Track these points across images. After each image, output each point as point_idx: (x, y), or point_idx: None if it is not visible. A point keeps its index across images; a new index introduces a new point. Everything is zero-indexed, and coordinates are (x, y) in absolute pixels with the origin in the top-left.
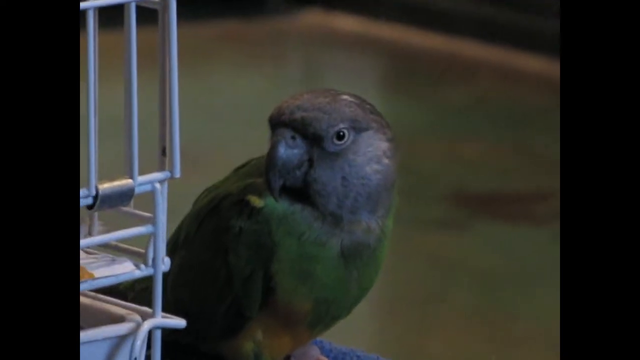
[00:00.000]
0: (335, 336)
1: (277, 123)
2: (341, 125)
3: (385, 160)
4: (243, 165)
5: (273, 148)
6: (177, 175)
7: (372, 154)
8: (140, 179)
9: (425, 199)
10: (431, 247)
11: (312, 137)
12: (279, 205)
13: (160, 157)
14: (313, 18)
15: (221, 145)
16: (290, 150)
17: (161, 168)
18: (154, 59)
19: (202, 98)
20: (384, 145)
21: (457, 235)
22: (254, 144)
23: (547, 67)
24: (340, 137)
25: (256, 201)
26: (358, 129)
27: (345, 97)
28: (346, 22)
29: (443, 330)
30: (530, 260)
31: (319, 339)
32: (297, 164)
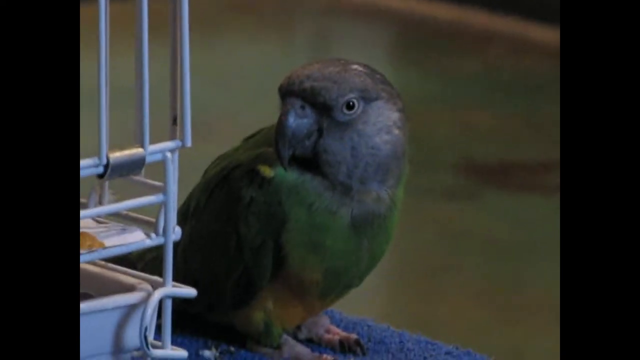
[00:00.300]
0: (345, 306)
1: (287, 92)
2: (351, 95)
3: (396, 131)
4: (253, 135)
5: (282, 117)
6: (188, 144)
7: (382, 124)
8: (151, 147)
9: (434, 169)
10: (440, 217)
11: (321, 107)
12: (289, 175)
13: (171, 126)
14: None
15: (231, 115)
16: (299, 120)
17: (172, 137)
18: (165, 29)
19: (213, 68)
20: (394, 115)
21: (466, 204)
22: (264, 113)
23: (556, 37)
24: (350, 106)
25: (266, 171)
26: (368, 98)
27: (355, 66)
28: None
29: (452, 299)
30: (538, 230)
31: (329, 309)
32: (307, 134)
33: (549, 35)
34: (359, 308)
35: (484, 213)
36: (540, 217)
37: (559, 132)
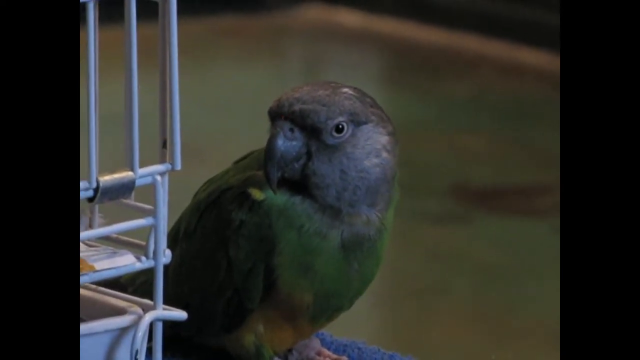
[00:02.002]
0: (337, 329)
1: (276, 115)
2: (340, 118)
3: (385, 154)
4: (243, 158)
5: (271, 140)
6: (178, 167)
7: (371, 148)
8: (141, 171)
9: (426, 192)
10: (432, 240)
11: (310, 130)
12: (279, 198)
13: (161, 149)
14: (314, 12)
15: (223, 139)
16: (288, 142)
17: (162, 160)
18: (154, 54)
19: (204, 92)
20: (383, 139)
21: (457, 228)
22: (256, 137)
23: (548, 61)
24: (339, 130)
25: (257, 194)
26: (357, 122)
27: (345, 90)
28: (347, 16)
29: (443, 323)
30: (530, 254)
31: (319, 331)
32: (296, 156)
33: (541, 59)
34: (350, 331)
35: (476, 237)
36: (531, 241)
37: (551, 155)
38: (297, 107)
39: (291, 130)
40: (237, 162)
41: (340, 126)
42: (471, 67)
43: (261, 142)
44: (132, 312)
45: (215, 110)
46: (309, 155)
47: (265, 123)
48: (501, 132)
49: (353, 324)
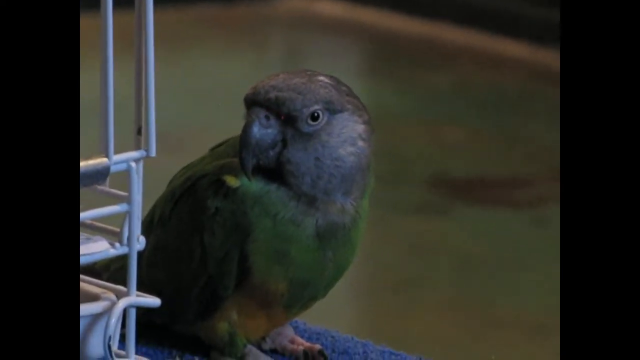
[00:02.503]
0: (314, 319)
1: (252, 102)
2: (316, 107)
3: (360, 143)
4: (219, 145)
5: (247, 127)
6: (153, 154)
7: (346, 136)
8: (116, 157)
9: (406, 184)
10: (411, 232)
11: (286, 117)
12: (254, 185)
13: (136, 136)
14: (295, 2)
15: (203, 128)
16: (263, 130)
17: (137, 147)
18: (131, 43)
19: (185, 81)
20: (359, 127)
21: (437, 219)
22: (235, 126)
23: (528, 52)
24: (314, 117)
25: (232, 181)
26: (333, 110)
27: (321, 78)
28: (328, 7)
29: (422, 314)
30: (509, 245)
31: (294, 319)
32: (271, 144)
33: (520, 50)
34: (327, 321)
35: (455, 228)
36: (511, 232)
37: (531, 147)
38: (272, 94)
39: (267, 117)
40: (213, 149)
41: (316, 114)
42: (451, 58)
43: (240, 131)
44: (105, 299)
45: (195, 100)
46: (284, 143)
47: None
48: (481, 123)
49: (330, 315)
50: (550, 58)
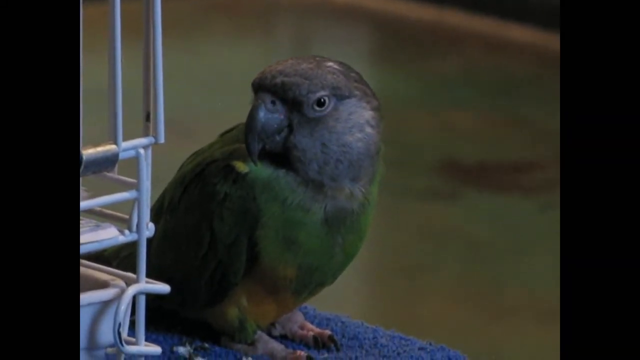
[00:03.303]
0: (323, 304)
1: (259, 87)
2: (322, 92)
3: (368, 129)
4: (229, 130)
5: (253, 111)
6: (162, 140)
7: (354, 122)
8: (124, 144)
9: (415, 169)
10: (420, 217)
11: (292, 102)
12: (263, 171)
13: (145, 123)
14: None
15: (212, 115)
16: (270, 115)
17: (145, 134)
18: (139, 30)
19: (194, 68)
20: (367, 113)
21: (446, 205)
22: (244, 113)
23: (535, 37)
24: (320, 103)
25: (241, 167)
26: (340, 96)
27: (329, 64)
28: None
29: (431, 299)
30: (519, 230)
31: (303, 305)
32: (277, 129)
33: (527, 35)
34: (337, 307)
35: (464, 213)
36: (519, 217)
37: (540, 131)
38: (279, 79)
39: (273, 102)
40: (223, 134)
41: (322, 100)
42: (459, 44)
43: None
44: (115, 285)
45: (205, 87)
46: (290, 128)
47: None
48: (489, 108)
49: (340, 300)
50: (557, 42)
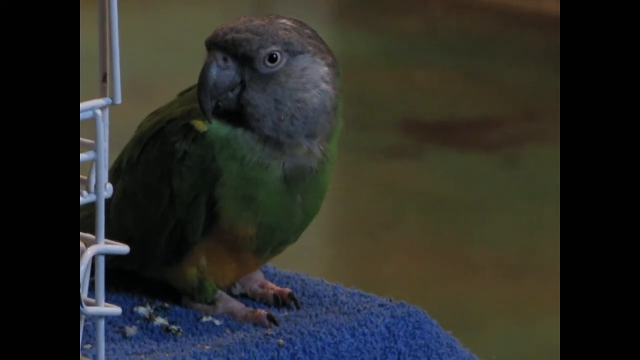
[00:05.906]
0: (286, 264)
1: (211, 45)
2: (273, 47)
3: (323, 85)
4: (188, 90)
5: (204, 69)
6: (118, 101)
7: (308, 78)
8: (82, 105)
9: (377, 127)
10: (383, 175)
11: (243, 59)
12: (221, 129)
13: (101, 84)
14: None
15: (170, 76)
16: (221, 71)
17: (102, 95)
18: None
19: (153, 30)
20: (321, 69)
21: (408, 162)
22: None
23: None
24: (272, 59)
25: (200, 125)
26: (292, 52)
27: (283, 21)
28: None
29: (394, 257)
30: (481, 187)
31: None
32: (229, 86)
33: None
34: (299, 266)
35: (427, 170)
36: (483, 174)
37: (501, 89)
38: (230, 36)
39: (225, 59)
40: (181, 93)
41: (274, 55)
42: (420, 1)
43: None
44: None
45: (164, 49)
46: (243, 84)
47: None
48: (451, 65)
49: (302, 259)
50: (519, 0)
